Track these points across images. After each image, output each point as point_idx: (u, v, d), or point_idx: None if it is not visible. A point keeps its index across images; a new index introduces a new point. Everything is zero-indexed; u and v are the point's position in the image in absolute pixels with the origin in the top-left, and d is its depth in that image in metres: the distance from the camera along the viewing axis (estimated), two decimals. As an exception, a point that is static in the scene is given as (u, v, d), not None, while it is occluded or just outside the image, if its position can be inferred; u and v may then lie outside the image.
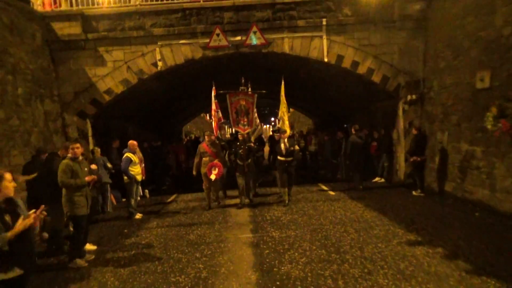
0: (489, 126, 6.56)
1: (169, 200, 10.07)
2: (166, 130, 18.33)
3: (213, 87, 9.23)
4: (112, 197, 9.36)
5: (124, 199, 9.34)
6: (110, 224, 7.69)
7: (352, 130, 10.28)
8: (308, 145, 15.26)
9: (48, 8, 9.77)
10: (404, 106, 9.96)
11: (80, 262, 5.27)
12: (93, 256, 5.59)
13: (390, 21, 9.65)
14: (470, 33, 7.71)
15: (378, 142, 11.26)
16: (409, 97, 9.77)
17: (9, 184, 2.98)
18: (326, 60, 9.88)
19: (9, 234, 2.80)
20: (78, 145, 5.47)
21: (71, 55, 9.72)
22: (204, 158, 8.42)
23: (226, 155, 9.35)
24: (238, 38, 9.77)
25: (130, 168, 7.93)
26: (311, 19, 9.74)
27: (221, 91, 8.98)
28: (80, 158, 5.50)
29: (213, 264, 5.04)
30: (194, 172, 8.69)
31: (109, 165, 8.78)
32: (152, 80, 10.62)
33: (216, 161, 8.31)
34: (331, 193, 9.78)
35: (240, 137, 8.72)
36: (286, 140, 8.39)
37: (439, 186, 8.86)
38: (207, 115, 36.36)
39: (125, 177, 8.01)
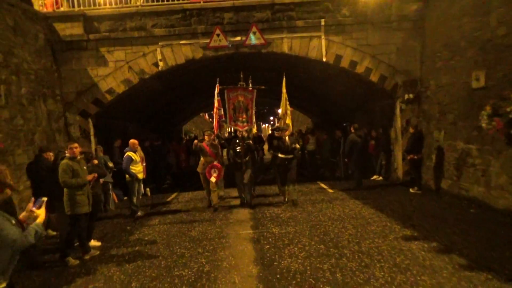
0: (483, 125, 6.70)
1: (170, 198, 10.22)
2: (166, 129, 18.48)
3: (217, 84, 8.99)
4: (114, 195, 9.50)
5: (126, 198, 9.48)
6: (113, 221, 7.84)
7: (351, 129, 10.43)
8: (306, 144, 15.41)
9: (50, 9, 9.90)
10: (402, 105, 10.11)
11: (72, 260, 5.33)
12: (98, 252, 5.74)
13: (388, 22, 9.80)
14: (466, 33, 7.85)
15: (376, 140, 11.42)
16: (406, 96, 9.93)
17: None
18: (324, 60, 10.03)
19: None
20: (76, 144, 5.60)
21: (73, 55, 9.86)
22: (203, 158, 8.34)
23: (225, 152, 9.36)
24: (238, 38, 9.91)
25: (131, 166, 8.07)
26: (310, 19, 9.88)
27: (220, 86, 8.85)
28: (79, 157, 5.61)
29: (215, 258, 5.20)
30: (198, 169, 8.54)
31: (110, 164, 8.89)
32: (153, 80, 10.77)
33: (215, 162, 8.22)
34: (330, 191, 9.94)
35: (238, 134, 8.60)
36: (287, 138, 8.32)
37: (435, 183, 9.02)
38: (206, 114, 36.55)
39: (127, 176, 8.15)
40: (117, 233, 6.90)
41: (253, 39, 9.82)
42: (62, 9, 9.97)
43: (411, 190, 9.11)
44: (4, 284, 2.71)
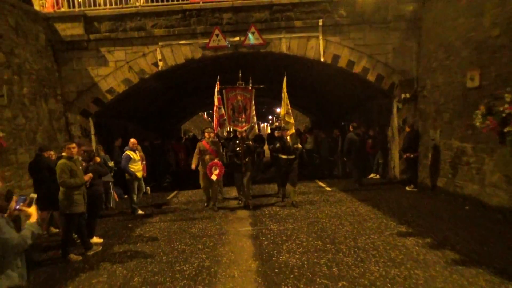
0: (477, 124, 6.83)
1: (170, 196, 10.35)
2: (166, 128, 18.60)
3: (217, 82, 8.79)
4: (115, 194, 9.62)
5: (126, 196, 9.60)
6: (114, 219, 7.96)
7: (350, 127, 10.58)
8: (304, 143, 15.54)
9: (50, 10, 10.01)
10: (398, 104, 10.27)
11: (74, 257, 5.46)
12: (100, 248, 5.87)
13: (385, 22, 9.94)
14: (461, 34, 7.99)
15: (373, 139, 11.57)
16: (403, 96, 10.07)
17: None
18: (322, 59, 10.17)
19: None
20: (74, 144, 5.68)
21: (74, 55, 9.97)
22: (204, 157, 8.12)
23: (224, 153, 9.35)
24: (237, 38, 10.04)
25: (130, 165, 8.19)
26: (308, 20, 10.01)
27: (220, 86, 8.70)
28: (75, 157, 5.70)
29: (215, 254, 5.33)
30: (193, 166, 8.36)
31: (110, 164, 8.98)
32: (153, 80, 10.89)
33: (216, 160, 8.07)
34: (328, 189, 10.09)
35: (238, 134, 8.42)
36: (288, 137, 8.13)
37: (431, 181, 9.17)
38: (205, 113, 36.65)
39: (126, 174, 8.27)
40: (119, 230, 7.03)
41: (252, 39, 9.94)
42: (62, 9, 10.08)
43: (407, 188, 9.27)
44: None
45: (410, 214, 6.90)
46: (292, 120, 8.90)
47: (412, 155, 9.26)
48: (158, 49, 10.09)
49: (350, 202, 8.23)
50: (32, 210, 2.85)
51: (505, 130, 5.93)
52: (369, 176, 11.53)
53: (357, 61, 10.14)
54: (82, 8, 9.99)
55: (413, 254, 4.87)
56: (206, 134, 8.37)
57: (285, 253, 5.21)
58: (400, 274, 4.28)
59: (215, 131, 8.87)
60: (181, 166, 14.61)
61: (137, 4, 10.17)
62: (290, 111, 8.89)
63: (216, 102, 8.87)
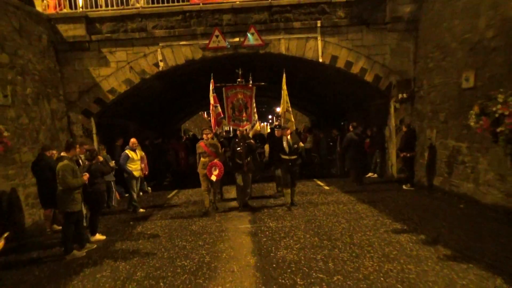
0: (472, 124, 6.96)
1: (170, 195, 10.50)
2: (166, 128, 18.75)
3: (211, 80, 8.63)
4: (117, 193, 9.77)
5: (127, 195, 9.75)
6: (116, 217, 8.12)
7: (350, 127, 10.73)
8: (303, 143, 15.68)
9: (53, 11, 10.15)
10: (396, 104, 10.41)
11: (77, 253, 5.61)
12: (95, 245, 6.02)
13: (382, 23, 10.08)
14: (457, 35, 8.13)
15: (371, 139, 11.72)
16: (400, 96, 10.22)
17: None
18: (321, 60, 10.31)
19: None
20: (77, 146, 5.86)
21: (76, 56, 10.11)
22: (203, 159, 7.89)
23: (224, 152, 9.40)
24: (237, 39, 10.18)
25: (128, 164, 8.32)
26: (306, 21, 10.16)
27: (218, 84, 8.63)
28: (74, 157, 5.86)
29: (215, 250, 5.49)
30: (199, 170, 8.02)
31: (111, 163, 9.08)
32: (153, 80, 11.03)
33: (216, 160, 7.85)
34: (326, 187, 10.24)
35: (238, 133, 8.34)
36: (289, 137, 7.89)
37: (428, 180, 9.32)
38: (205, 113, 36.74)
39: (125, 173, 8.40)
40: (121, 227, 7.19)
41: (251, 40, 10.08)
42: (64, 10, 10.22)
43: (404, 186, 9.42)
44: None
45: (406, 212, 7.05)
46: (292, 119, 8.96)
47: (409, 155, 9.42)
48: (158, 49, 10.24)
49: (347, 201, 8.38)
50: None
51: (498, 130, 6.07)
52: (367, 175, 11.68)
53: (355, 61, 10.29)
54: (83, 9, 10.13)
55: (406, 250, 5.02)
56: (204, 136, 8.14)
57: (282, 249, 5.36)
58: (393, 268, 4.43)
59: (213, 130, 8.73)
60: (181, 165, 14.78)
61: (138, 5, 10.31)
62: (290, 109, 9.00)
63: (212, 101, 8.66)
